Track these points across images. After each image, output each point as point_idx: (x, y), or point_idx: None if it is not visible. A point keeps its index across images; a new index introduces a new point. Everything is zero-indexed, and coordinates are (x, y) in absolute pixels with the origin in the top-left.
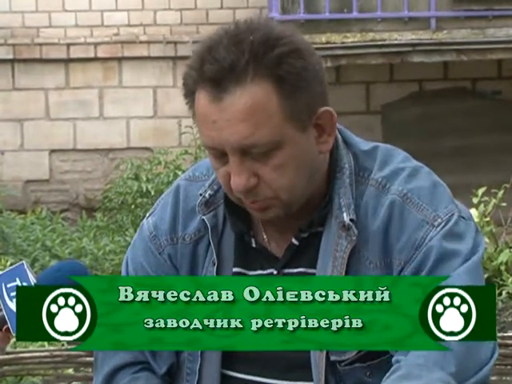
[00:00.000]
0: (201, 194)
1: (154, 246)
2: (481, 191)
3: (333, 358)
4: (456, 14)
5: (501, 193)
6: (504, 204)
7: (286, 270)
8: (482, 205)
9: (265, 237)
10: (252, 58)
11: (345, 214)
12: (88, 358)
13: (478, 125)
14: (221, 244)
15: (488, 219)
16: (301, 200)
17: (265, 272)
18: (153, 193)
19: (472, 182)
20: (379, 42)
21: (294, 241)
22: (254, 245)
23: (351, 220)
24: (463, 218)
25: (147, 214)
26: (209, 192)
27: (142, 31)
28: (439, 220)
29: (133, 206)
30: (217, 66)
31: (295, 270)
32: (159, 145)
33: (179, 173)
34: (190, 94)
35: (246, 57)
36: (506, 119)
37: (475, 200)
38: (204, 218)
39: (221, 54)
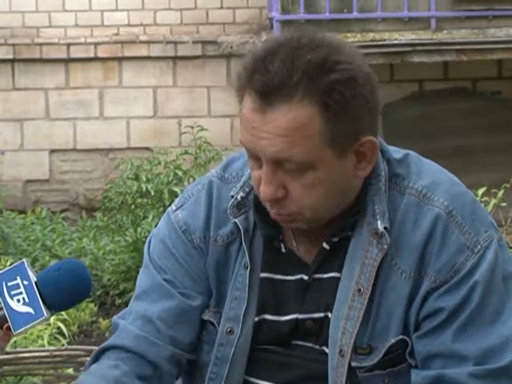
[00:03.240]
0: (232, 196)
1: (187, 239)
2: (481, 191)
3: (353, 364)
4: (456, 13)
5: (501, 193)
6: (504, 204)
7: (317, 276)
8: (481, 205)
9: (294, 242)
10: (304, 79)
11: (379, 222)
12: (88, 358)
13: (478, 125)
14: (251, 248)
15: None
16: (326, 217)
17: (294, 278)
18: (153, 193)
19: (472, 181)
20: (379, 42)
21: (325, 245)
22: (283, 250)
23: (385, 228)
24: (499, 241)
25: (173, 206)
26: (240, 194)
27: (142, 31)
28: (479, 247)
29: (133, 206)
30: (267, 78)
31: (326, 276)
32: (159, 145)
33: (179, 173)
34: (239, 92)
35: (298, 76)
36: (506, 119)
37: None
38: (236, 220)
39: (274, 66)
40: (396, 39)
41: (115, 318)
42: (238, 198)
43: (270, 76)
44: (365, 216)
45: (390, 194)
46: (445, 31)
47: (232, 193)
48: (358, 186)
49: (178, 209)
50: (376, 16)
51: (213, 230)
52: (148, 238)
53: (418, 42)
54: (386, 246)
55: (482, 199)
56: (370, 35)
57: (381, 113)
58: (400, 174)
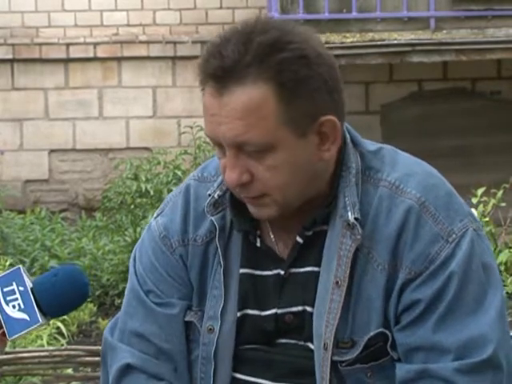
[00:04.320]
0: (209, 195)
1: (165, 246)
2: (480, 191)
3: (335, 358)
4: (455, 13)
5: (500, 193)
6: (503, 204)
7: (293, 270)
8: (481, 205)
9: (272, 237)
10: (256, 60)
11: (349, 213)
12: (87, 358)
13: (478, 125)
14: (229, 245)
15: (487, 219)
16: (297, 202)
17: (271, 273)
18: (152, 193)
19: (471, 182)
20: (378, 42)
21: (299, 239)
22: (258, 244)
23: (356, 219)
24: (476, 230)
25: (155, 214)
26: (218, 192)
27: (141, 31)
28: (454, 236)
29: (132, 206)
30: (220, 62)
31: (302, 270)
32: (158, 145)
33: (178, 173)
34: (201, 84)
35: (248, 58)
36: (506, 119)
37: (474, 200)
38: (212, 218)
39: (227, 50)
40: (395, 39)
41: (107, 334)
42: (215, 196)
43: (222, 60)
44: (336, 208)
45: (364, 187)
46: (444, 31)
47: (209, 191)
48: (328, 171)
49: (158, 216)
50: (375, 16)
51: (191, 232)
52: (134, 249)
53: (417, 41)
54: (359, 237)
55: (482, 199)
56: (369, 35)
57: (380, 113)
58: (373, 167)
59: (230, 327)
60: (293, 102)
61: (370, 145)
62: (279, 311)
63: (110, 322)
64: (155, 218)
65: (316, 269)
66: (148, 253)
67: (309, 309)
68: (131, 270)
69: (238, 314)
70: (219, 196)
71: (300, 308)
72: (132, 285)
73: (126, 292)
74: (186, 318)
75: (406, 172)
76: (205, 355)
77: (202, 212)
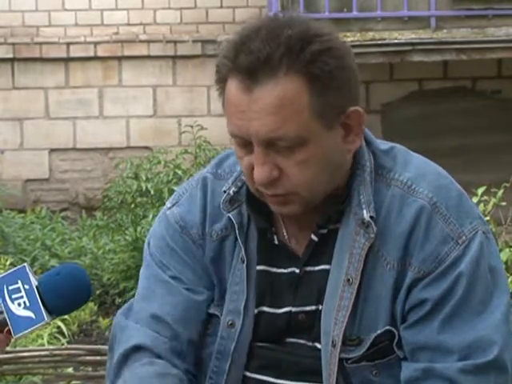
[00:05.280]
0: (225, 192)
1: (185, 234)
2: (480, 190)
3: (341, 355)
4: (456, 13)
5: (500, 192)
6: (504, 203)
7: (308, 269)
8: (481, 204)
9: (285, 234)
10: (287, 52)
11: (364, 211)
12: (88, 357)
13: (478, 124)
14: (247, 241)
15: (488, 218)
16: (320, 197)
17: (286, 271)
18: (152, 192)
19: (472, 181)
20: (379, 42)
21: (314, 237)
22: (276, 242)
23: (371, 217)
24: (485, 233)
25: (168, 204)
26: (233, 189)
27: (141, 30)
28: (464, 238)
29: (132, 206)
30: (252, 57)
31: (317, 268)
32: (159, 144)
33: (179, 172)
34: (221, 81)
35: (281, 50)
36: (506, 118)
37: (475, 199)
38: (230, 215)
39: (257, 45)
40: (396, 38)
41: (120, 318)
42: (231, 192)
43: (253, 54)
44: (350, 206)
45: (376, 186)
46: (444, 30)
47: (224, 188)
48: (346, 166)
49: (173, 206)
50: (376, 15)
51: (208, 226)
52: (147, 239)
53: (417, 41)
54: (372, 235)
55: (482, 198)
56: (370, 34)
57: (380, 112)
58: (386, 166)
59: (249, 323)
60: (324, 93)
61: (382, 144)
62: (293, 309)
63: (122, 309)
64: (169, 207)
65: (329, 267)
66: (166, 240)
67: (321, 308)
68: (147, 258)
69: (255, 311)
70: (234, 192)
71: (313, 307)
72: (150, 272)
73: (140, 280)
74: (210, 310)
75: (418, 172)
76: (222, 350)
77: (218, 208)
